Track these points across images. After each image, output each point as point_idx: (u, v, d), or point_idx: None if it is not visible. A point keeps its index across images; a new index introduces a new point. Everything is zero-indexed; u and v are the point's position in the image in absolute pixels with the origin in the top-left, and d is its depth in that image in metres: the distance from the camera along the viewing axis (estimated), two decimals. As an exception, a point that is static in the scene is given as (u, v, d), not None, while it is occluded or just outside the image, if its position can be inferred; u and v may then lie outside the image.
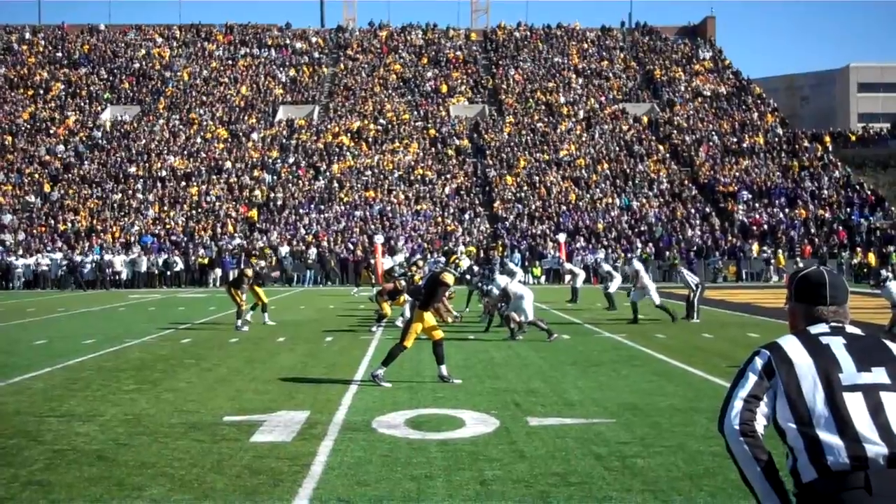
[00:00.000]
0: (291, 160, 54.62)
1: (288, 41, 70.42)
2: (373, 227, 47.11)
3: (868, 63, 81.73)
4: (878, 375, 2.94)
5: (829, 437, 2.88)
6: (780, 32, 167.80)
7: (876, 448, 2.84)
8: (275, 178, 52.77)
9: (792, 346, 3.04)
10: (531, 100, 61.76)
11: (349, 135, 57.27)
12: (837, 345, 3.01)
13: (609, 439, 8.39)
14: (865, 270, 41.74)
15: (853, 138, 61.11)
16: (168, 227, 47.73)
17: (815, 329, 3.11)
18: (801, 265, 20.13)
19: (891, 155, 57.97)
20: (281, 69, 66.79)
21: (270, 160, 54.52)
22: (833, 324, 3.12)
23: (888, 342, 3.12)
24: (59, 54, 68.67)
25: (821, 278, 3.19)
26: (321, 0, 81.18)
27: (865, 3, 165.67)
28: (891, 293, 13.07)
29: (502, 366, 13.82)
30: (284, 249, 45.25)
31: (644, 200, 49.64)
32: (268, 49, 69.36)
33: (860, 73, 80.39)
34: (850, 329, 3.11)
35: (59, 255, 44.61)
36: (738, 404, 3.05)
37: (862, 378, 2.93)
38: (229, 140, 57.17)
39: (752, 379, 3.05)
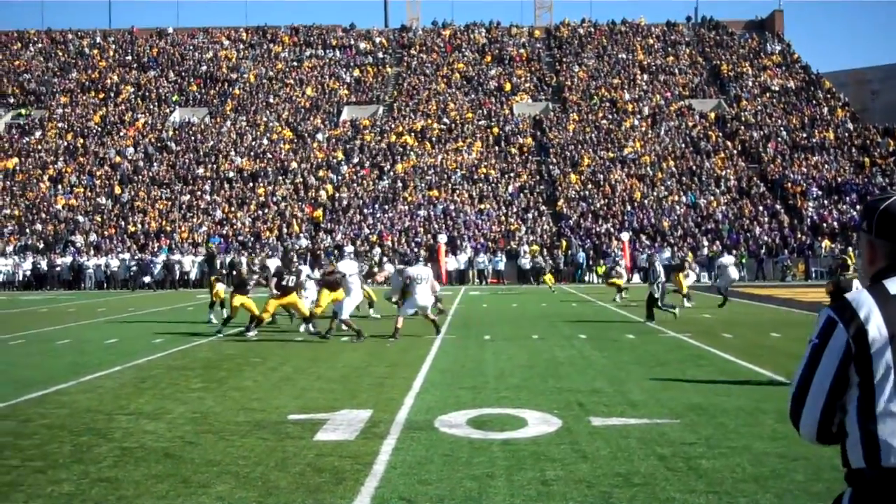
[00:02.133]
0: (356, 160, 54.99)
1: (352, 42, 70.92)
2: (436, 226, 47.22)
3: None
4: None
5: (890, 439, 2.70)
6: (849, 26, 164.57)
7: None
8: (339, 178, 53.18)
9: (870, 315, 2.75)
10: (595, 97, 61.35)
11: (413, 134, 57.47)
12: None
13: (673, 440, 8.29)
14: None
15: (927, 132, 59.51)
16: (235, 227, 48.37)
17: (894, 287, 2.81)
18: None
19: (967, 149, 56.35)
20: (345, 70, 67.30)
21: (335, 160, 54.96)
22: None
23: None
24: (129, 58, 70.03)
25: None
26: (385, 0, 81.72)
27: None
28: None
29: (565, 365, 13.75)
30: (349, 249, 45.57)
31: (711, 198, 49.00)
32: (332, 50, 69.97)
33: (934, 65, 78.40)
34: None
35: (127, 256, 45.52)
36: (817, 406, 2.81)
37: None
38: (295, 141, 57.78)
39: (831, 368, 2.78)
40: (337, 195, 51.02)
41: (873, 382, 2.73)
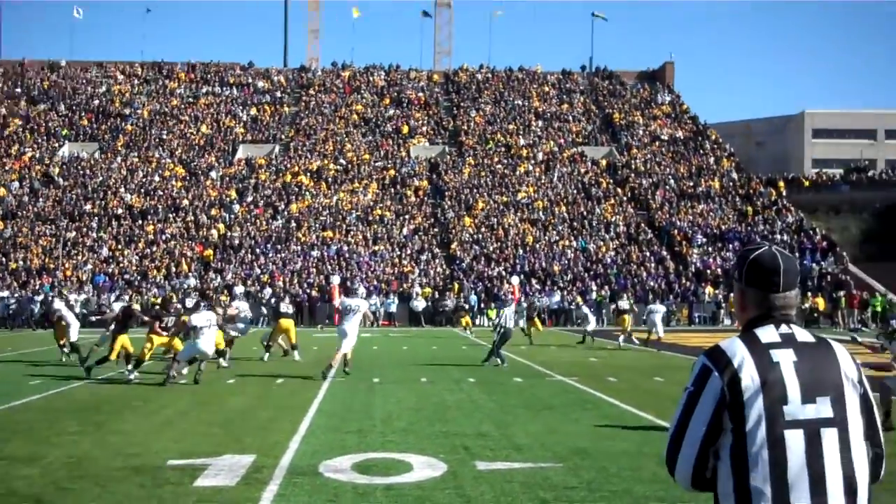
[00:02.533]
0: (250, 199, 54.42)
1: (250, 80, 70.48)
2: (329, 267, 46.98)
3: (822, 110, 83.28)
4: (822, 407, 2.80)
5: (762, 486, 2.76)
6: (738, 78, 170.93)
7: None
8: (232, 217, 52.50)
9: (743, 363, 2.84)
10: (491, 142, 62.18)
11: (308, 174, 57.22)
12: (787, 363, 2.84)
13: (556, 484, 8.37)
14: (815, 315, 42.25)
15: (807, 184, 62.10)
16: (121, 265, 47.23)
17: (764, 335, 2.91)
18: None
19: (843, 201, 58.95)
20: (242, 108, 66.77)
21: (228, 199, 54.28)
22: (783, 328, 2.93)
23: (836, 347, 2.95)
24: (19, 90, 68.17)
25: (774, 262, 2.98)
26: (285, 40, 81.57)
27: (820, 50, 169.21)
28: None
29: (453, 409, 13.77)
30: (239, 289, 44.88)
31: (601, 243, 49.98)
32: (229, 87, 69.39)
33: (815, 119, 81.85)
34: (800, 336, 2.92)
35: (6, 293, 43.98)
36: (692, 451, 2.87)
37: (805, 411, 2.79)
38: (187, 178, 56.91)
39: (706, 414, 2.84)
40: (229, 234, 50.34)
41: (745, 429, 2.80)
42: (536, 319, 31.83)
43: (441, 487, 8.24)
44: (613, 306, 35.76)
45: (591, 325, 30.52)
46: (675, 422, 2.94)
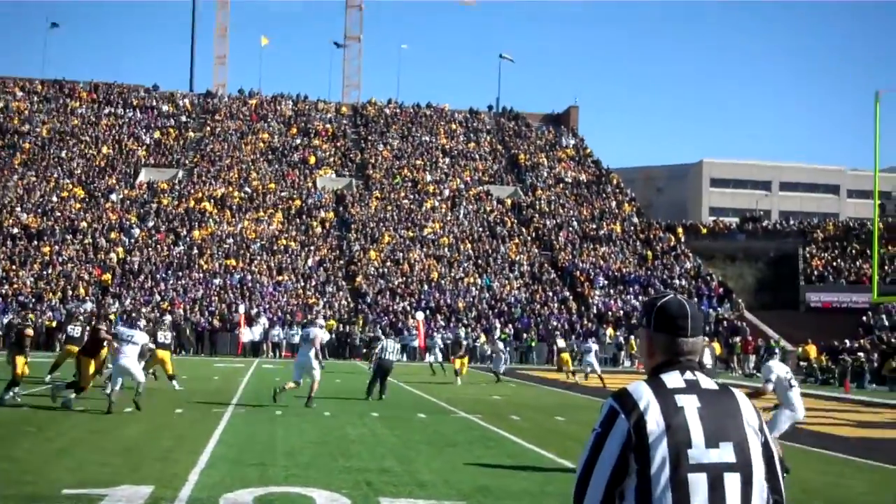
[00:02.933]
0: (151, 224, 53.41)
1: (155, 103, 69.39)
2: (232, 296, 46.35)
3: (720, 160, 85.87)
4: (725, 452, 2.86)
5: None
6: (639, 125, 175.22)
7: None
8: (132, 241, 51.41)
9: (648, 407, 2.90)
10: (398, 176, 62.37)
11: (212, 201, 56.47)
12: (691, 409, 2.89)
13: (460, 521, 8.38)
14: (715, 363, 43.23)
15: (704, 231, 63.80)
16: (15, 286, 45.76)
17: (670, 381, 2.98)
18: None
19: (739, 248, 60.72)
20: (145, 131, 65.63)
21: (128, 222, 53.16)
22: (688, 375, 3.00)
23: (738, 395, 3.03)
24: None
25: (682, 309, 3.07)
26: (191, 64, 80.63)
27: (718, 101, 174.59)
28: (770, 370, 12.89)
29: (356, 443, 13.69)
30: (142, 320, 43.92)
31: (505, 281, 50.44)
32: (133, 109, 68.16)
33: (712, 168, 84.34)
34: (704, 383, 2.99)
35: None
36: (598, 491, 2.90)
37: (709, 456, 2.84)
38: (86, 200, 55.58)
39: (612, 456, 2.89)
40: (128, 258, 49.25)
41: (650, 472, 2.85)
42: (465, 360, 30.46)
43: (345, 523, 8.17)
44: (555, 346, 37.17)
45: (503, 364, 30.50)
46: (582, 462, 2.98)
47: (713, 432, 2.88)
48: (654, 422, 2.88)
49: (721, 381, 3.12)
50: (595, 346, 30.94)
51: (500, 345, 32.42)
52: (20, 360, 17.99)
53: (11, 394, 17.78)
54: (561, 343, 31.80)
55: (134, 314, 35.75)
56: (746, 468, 2.88)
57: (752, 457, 2.90)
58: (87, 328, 19.34)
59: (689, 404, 2.91)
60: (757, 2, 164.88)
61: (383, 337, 24.12)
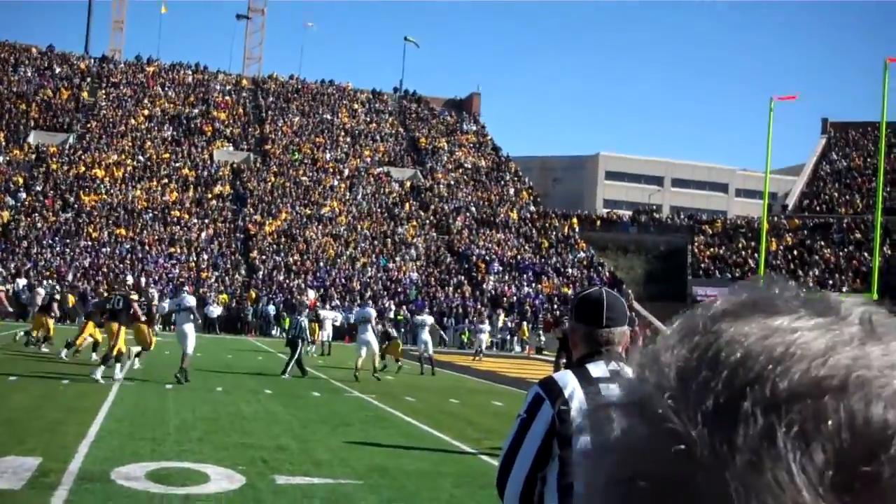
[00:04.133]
0: (38, 188, 51.66)
1: (48, 64, 67.03)
2: (121, 265, 45.26)
3: (616, 154, 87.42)
4: None
5: None
6: (540, 116, 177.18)
7: None
8: (18, 205, 49.65)
9: (573, 395, 2.99)
10: (297, 153, 61.70)
11: (104, 168, 54.91)
12: (614, 396, 3.00)
13: (356, 500, 8.37)
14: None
15: (598, 222, 64.88)
16: None
17: (595, 370, 3.07)
18: (542, 338, 20.92)
19: (631, 241, 61.96)
20: (37, 91, 63.32)
21: (14, 186, 51.30)
22: (612, 365, 3.10)
23: None
24: None
25: (600, 299, 3.20)
26: (87, 27, 78.15)
27: (617, 97, 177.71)
28: None
29: (250, 420, 13.53)
30: (21, 282, 42.55)
31: (401, 263, 50.46)
32: (24, 68, 65.68)
33: (608, 161, 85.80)
34: (627, 372, 3.09)
35: None
36: (521, 474, 2.97)
37: None
38: (-30, 160, 53.46)
39: (536, 440, 2.97)
40: (13, 223, 47.57)
41: (572, 457, 2.91)
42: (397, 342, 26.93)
43: (240, 500, 8.07)
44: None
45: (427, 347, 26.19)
46: (507, 445, 3.04)
47: None
48: (577, 409, 2.95)
49: None
50: (430, 320, 27.48)
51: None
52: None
53: None
54: (392, 331, 27.82)
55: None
56: None
57: None
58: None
59: (613, 393, 2.95)
60: (658, 2, 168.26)
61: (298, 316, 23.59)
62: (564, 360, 14.73)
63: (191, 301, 19.50)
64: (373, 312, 22.96)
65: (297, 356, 21.60)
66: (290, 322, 22.98)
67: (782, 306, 0.56)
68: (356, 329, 24.01)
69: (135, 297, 19.25)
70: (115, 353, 17.84)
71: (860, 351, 0.51)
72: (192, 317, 19.23)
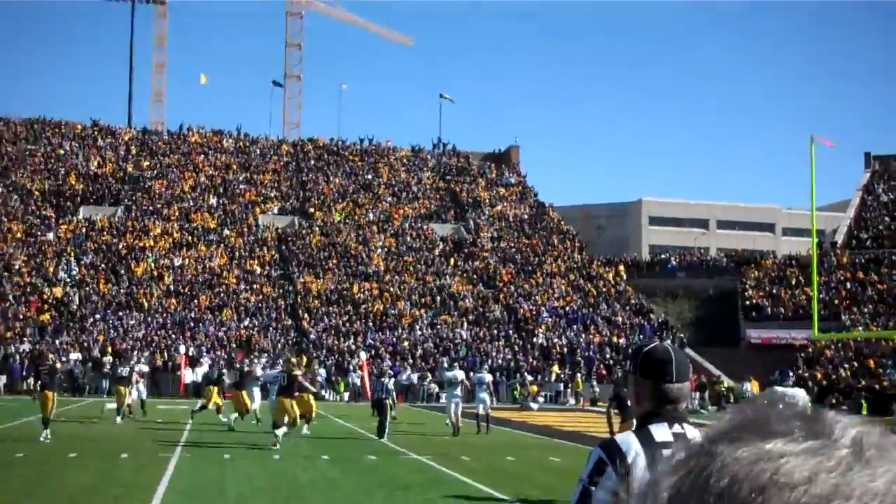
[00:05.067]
0: (90, 261, 52.45)
1: (94, 139, 68.39)
2: (173, 335, 45.64)
3: (659, 198, 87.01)
4: None
5: None
6: (580, 164, 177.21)
7: None
8: (71, 279, 50.39)
9: (636, 460, 2.92)
10: (341, 213, 62.15)
11: (153, 238, 55.66)
12: None
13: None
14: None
15: (645, 268, 64.43)
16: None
17: (658, 433, 3.02)
18: (596, 388, 20.64)
19: (679, 285, 61.40)
20: (85, 165, 64.55)
21: (67, 260, 52.13)
22: (676, 428, 3.04)
23: None
24: None
25: (667, 354, 3.15)
26: (129, 101, 79.75)
27: (657, 141, 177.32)
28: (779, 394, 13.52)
29: (308, 488, 13.50)
30: (75, 356, 43.00)
31: (450, 319, 50.36)
32: (71, 142, 67.04)
33: (651, 207, 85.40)
34: (691, 435, 3.01)
35: None
36: None
37: None
38: (23, 236, 54.42)
39: None
40: (67, 297, 48.23)
41: None
42: None
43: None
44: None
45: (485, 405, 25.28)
46: None
47: None
48: (639, 476, 2.86)
49: None
50: (489, 377, 26.84)
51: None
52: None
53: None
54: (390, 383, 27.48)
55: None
56: None
57: None
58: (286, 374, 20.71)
59: None
60: (693, 45, 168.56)
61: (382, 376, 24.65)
62: (617, 411, 15.02)
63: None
64: (461, 375, 24.97)
65: (387, 417, 22.26)
66: (375, 384, 24.60)
67: (777, 427, 0.55)
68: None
69: (298, 372, 20.98)
70: (292, 421, 19.77)
71: (843, 478, 0.50)
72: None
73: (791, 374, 13.75)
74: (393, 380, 24.94)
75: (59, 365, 21.52)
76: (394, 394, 25.34)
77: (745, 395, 34.60)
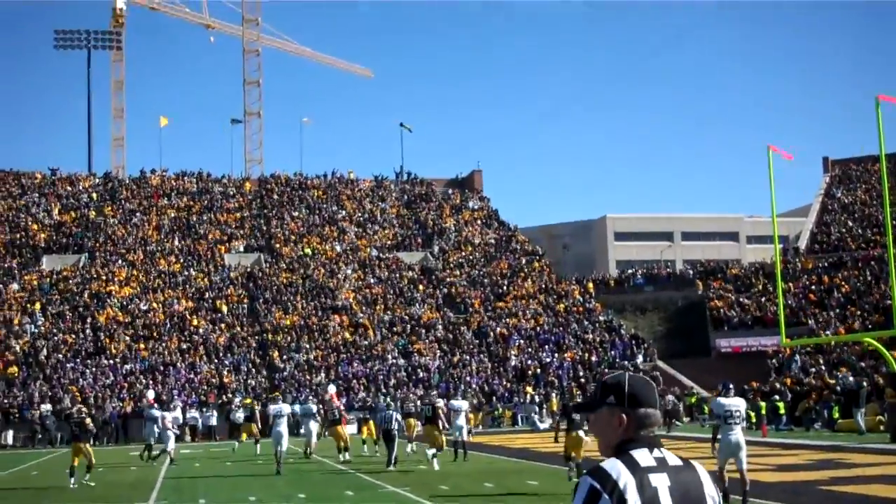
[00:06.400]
0: (56, 311, 51.96)
1: (53, 188, 67.89)
2: (143, 380, 45.28)
3: (622, 214, 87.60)
4: None
5: None
6: (542, 185, 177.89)
7: None
8: (37, 329, 49.89)
9: (627, 487, 3.03)
10: (307, 247, 62.06)
11: (118, 283, 55.25)
12: (663, 488, 3.07)
13: None
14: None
15: (612, 284, 64.77)
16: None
17: (642, 458, 3.13)
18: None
19: (647, 299, 61.79)
20: (45, 215, 64.03)
21: (32, 310, 51.60)
22: (656, 453, 3.16)
23: (699, 469, 3.22)
24: None
25: (639, 383, 3.27)
26: (88, 148, 79.35)
27: (617, 159, 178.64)
28: (721, 406, 14.20)
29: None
30: (46, 407, 42.54)
31: (421, 345, 50.37)
32: (30, 194, 66.49)
33: (616, 223, 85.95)
34: (671, 460, 3.16)
35: None
36: None
37: None
38: (-14, 290, 53.78)
39: None
40: (32, 350, 47.71)
41: None
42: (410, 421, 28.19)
43: None
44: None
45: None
46: None
47: None
48: (633, 501, 3.01)
49: (683, 457, 3.23)
50: (465, 405, 27.29)
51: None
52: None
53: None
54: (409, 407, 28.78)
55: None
56: None
57: None
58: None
59: (661, 483, 3.07)
60: (649, 57, 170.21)
61: (383, 407, 25.77)
62: (565, 428, 18.34)
63: (287, 409, 25.24)
64: (461, 405, 26.03)
65: (395, 448, 22.90)
66: (381, 417, 24.67)
67: None
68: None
69: (440, 403, 25.45)
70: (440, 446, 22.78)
71: None
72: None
73: (731, 386, 15.08)
74: (398, 413, 24.80)
75: (88, 420, 21.96)
76: (401, 422, 25.88)
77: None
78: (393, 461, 22.66)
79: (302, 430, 30.47)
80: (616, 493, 3.01)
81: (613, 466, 3.09)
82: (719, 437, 14.50)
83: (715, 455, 14.27)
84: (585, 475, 3.12)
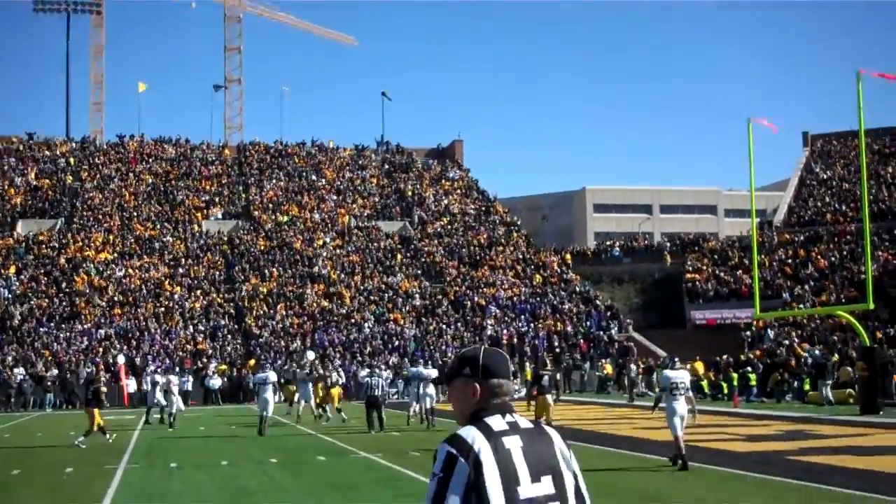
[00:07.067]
0: (31, 275, 51.63)
1: (31, 151, 67.28)
2: (118, 345, 45.12)
3: (601, 186, 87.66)
4: (546, 486, 3.23)
5: None
6: (523, 156, 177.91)
7: None
8: (11, 293, 49.58)
9: (482, 450, 3.19)
10: (286, 215, 61.83)
11: (94, 249, 54.93)
12: (516, 449, 3.24)
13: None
14: (609, 383, 43.74)
15: (590, 255, 64.95)
16: None
17: (495, 423, 3.30)
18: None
19: (624, 271, 62.02)
20: (22, 179, 63.50)
21: (6, 274, 51.26)
22: (508, 417, 3.34)
23: (550, 432, 3.40)
24: None
25: (498, 357, 3.47)
26: (66, 112, 78.64)
27: (598, 129, 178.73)
28: (667, 378, 14.70)
29: (256, 493, 13.45)
30: (19, 371, 42.36)
31: (398, 315, 50.40)
32: (7, 158, 65.88)
33: (595, 194, 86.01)
34: (522, 423, 3.34)
35: None
36: None
37: (534, 490, 3.20)
38: (-40, 254, 53.38)
39: (457, 497, 3.14)
40: (8, 312, 47.47)
41: None
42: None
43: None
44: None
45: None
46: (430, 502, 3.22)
47: (535, 468, 3.26)
48: (489, 463, 3.19)
49: (534, 420, 3.42)
50: (433, 373, 26.41)
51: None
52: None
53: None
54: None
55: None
56: (563, 496, 3.28)
57: (566, 486, 3.31)
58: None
59: (514, 445, 3.28)
60: (631, 32, 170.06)
61: (368, 375, 26.50)
62: (536, 392, 19.72)
63: (273, 377, 25.62)
64: (433, 373, 26.03)
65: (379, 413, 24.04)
66: (366, 384, 25.87)
67: None
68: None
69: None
70: None
71: None
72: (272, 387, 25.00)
73: (676, 359, 15.99)
74: (382, 379, 26.59)
75: (105, 389, 24.03)
76: (388, 392, 26.85)
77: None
78: (381, 426, 23.90)
79: (296, 397, 31.69)
80: (472, 456, 3.19)
81: (469, 433, 3.28)
82: (663, 405, 15.53)
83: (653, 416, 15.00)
84: (443, 442, 3.28)
